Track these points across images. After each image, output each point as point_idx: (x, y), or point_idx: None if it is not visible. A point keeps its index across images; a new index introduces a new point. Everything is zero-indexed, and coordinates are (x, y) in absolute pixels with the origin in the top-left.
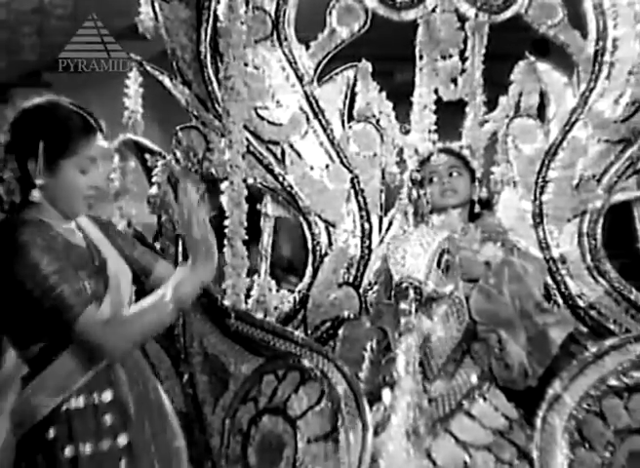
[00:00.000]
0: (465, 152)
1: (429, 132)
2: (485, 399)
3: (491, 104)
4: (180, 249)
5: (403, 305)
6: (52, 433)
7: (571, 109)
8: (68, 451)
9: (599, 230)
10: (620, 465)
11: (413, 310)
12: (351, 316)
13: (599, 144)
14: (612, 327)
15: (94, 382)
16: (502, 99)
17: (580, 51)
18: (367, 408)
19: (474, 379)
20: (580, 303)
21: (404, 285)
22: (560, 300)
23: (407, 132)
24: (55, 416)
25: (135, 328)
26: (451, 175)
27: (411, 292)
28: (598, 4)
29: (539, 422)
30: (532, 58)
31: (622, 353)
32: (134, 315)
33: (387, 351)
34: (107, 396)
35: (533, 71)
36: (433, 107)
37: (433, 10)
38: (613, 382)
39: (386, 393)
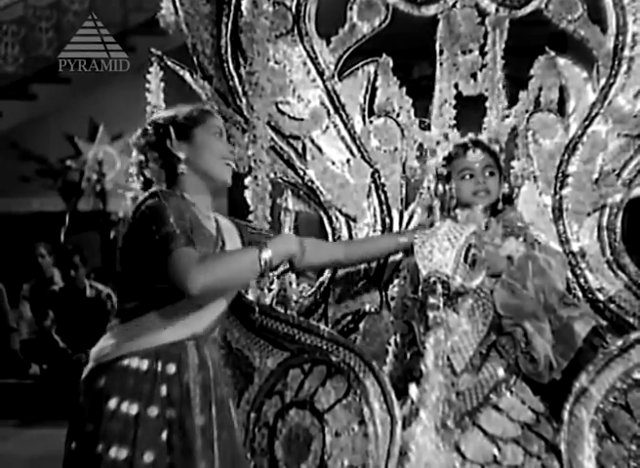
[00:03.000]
0: (496, 148)
1: (449, 127)
2: (512, 392)
3: (511, 99)
4: None
5: (432, 300)
6: (102, 382)
7: (591, 104)
8: (113, 404)
9: (619, 224)
10: None
11: (441, 305)
12: (372, 310)
13: (619, 139)
14: (631, 320)
15: (164, 353)
16: (523, 94)
17: (599, 46)
18: (395, 401)
19: (501, 373)
20: (600, 297)
21: (432, 279)
22: (580, 294)
23: (427, 126)
24: (111, 368)
25: (219, 268)
26: (486, 174)
27: (439, 286)
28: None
29: (566, 415)
30: (552, 53)
31: None
32: (223, 256)
33: (412, 345)
34: (172, 369)
35: (553, 66)
36: (453, 102)
37: (454, 5)
38: (638, 375)
39: (413, 387)
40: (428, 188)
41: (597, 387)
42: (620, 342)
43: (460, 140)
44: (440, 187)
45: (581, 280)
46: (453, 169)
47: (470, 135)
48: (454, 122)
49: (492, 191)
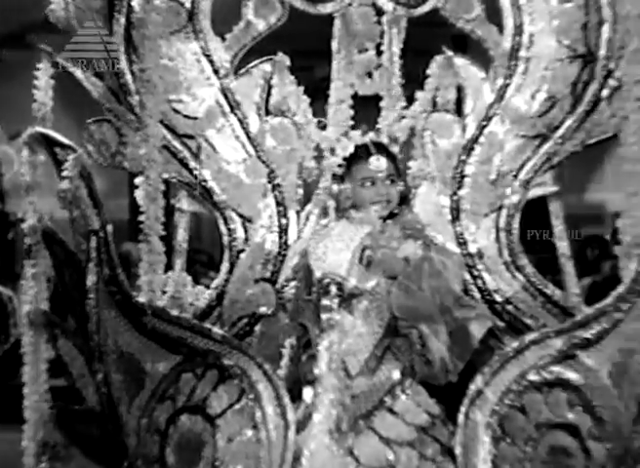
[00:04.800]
0: (396, 150)
1: (346, 126)
2: (407, 395)
3: (409, 99)
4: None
5: (325, 301)
6: None
7: (488, 104)
8: None
9: (516, 225)
10: (540, 460)
11: (335, 306)
12: (268, 312)
13: (516, 139)
14: (528, 321)
15: None
16: (420, 94)
17: (496, 46)
18: (289, 405)
19: (396, 375)
20: (498, 298)
21: (326, 281)
22: (477, 295)
23: (324, 126)
24: None
25: None
26: (387, 182)
27: (333, 288)
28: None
29: (461, 418)
30: (449, 53)
31: (542, 348)
32: None
33: (307, 348)
34: None
35: (450, 66)
36: (350, 102)
37: (350, 3)
38: (533, 377)
39: (307, 390)
40: (325, 189)
41: (492, 389)
42: (515, 344)
43: (360, 141)
44: (335, 187)
45: (479, 281)
46: (353, 172)
47: (371, 134)
48: (351, 122)
49: (392, 200)
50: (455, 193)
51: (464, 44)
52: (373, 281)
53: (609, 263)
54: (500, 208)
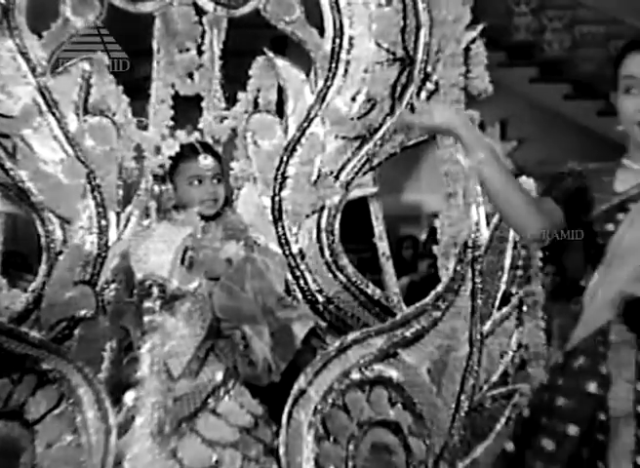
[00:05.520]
0: (220, 151)
1: (167, 127)
2: (230, 396)
3: (231, 100)
4: None
5: (147, 304)
6: None
7: (309, 106)
8: None
9: (337, 226)
10: (363, 457)
11: (157, 308)
12: (87, 315)
13: (336, 141)
14: (350, 321)
15: None
16: (241, 95)
17: (317, 48)
18: (110, 409)
19: (219, 377)
20: (319, 298)
21: (148, 282)
22: (299, 295)
23: (144, 126)
24: None
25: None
26: (214, 181)
27: (155, 289)
28: (334, 2)
29: (285, 418)
30: (270, 54)
31: (364, 347)
32: None
33: (129, 351)
34: None
35: (271, 67)
36: (170, 102)
37: (171, 3)
38: (355, 375)
39: (129, 394)
40: (146, 189)
41: (315, 388)
42: (337, 343)
43: (186, 140)
44: (157, 188)
45: (301, 281)
46: (179, 171)
47: (196, 134)
48: (171, 122)
49: (219, 199)
50: (276, 194)
51: (284, 46)
52: (195, 282)
53: (426, 262)
54: (322, 208)
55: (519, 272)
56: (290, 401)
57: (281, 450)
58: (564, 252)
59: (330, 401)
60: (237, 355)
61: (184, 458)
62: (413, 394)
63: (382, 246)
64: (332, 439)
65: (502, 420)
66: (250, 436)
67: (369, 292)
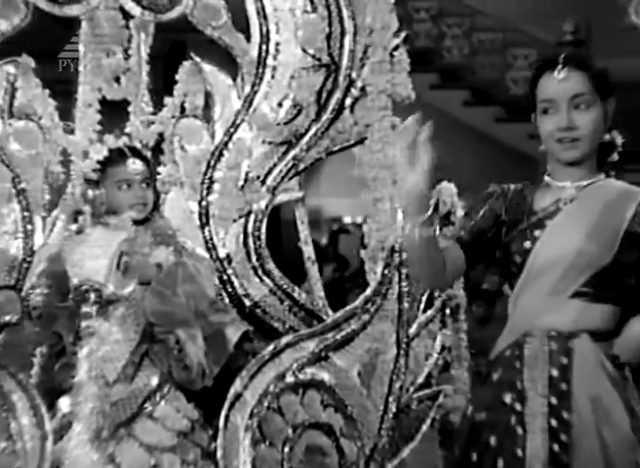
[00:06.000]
0: (149, 155)
1: (94, 131)
2: (166, 401)
3: (158, 105)
4: None
5: (85, 309)
6: None
7: (236, 111)
8: None
9: (263, 230)
10: (298, 460)
11: (94, 313)
12: (13, 320)
13: (263, 146)
14: (276, 324)
15: None
16: (168, 100)
17: (244, 53)
18: (46, 415)
19: (154, 382)
20: (246, 302)
21: (84, 287)
22: (227, 300)
23: (71, 131)
24: None
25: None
26: (143, 185)
27: (92, 294)
28: (261, 8)
29: (221, 421)
30: (197, 59)
31: (297, 350)
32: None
33: (61, 356)
34: None
35: (198, 72)
36: (97, 106)
37: (97, 7)
38: (289, 379)
39: (64, 400)
40: (72, 194)
41: (251, 392)
42: (271, 347)
43: (114, 145)
44: (90, 192)
45: (228, 286)
46: (108, 176)
47: (124, 138)
48: (98, 126)
49: (148, 203)
50: (204, 198)
51: (184, 49)
52: (130, 287)
53: (331, 267)
54: (249, 213)
55: None
56: (226, 404)
57: (219, 454)
58: None
59: (265, 404)
60: (172, 359)
61: (123, 463)
62: (344, 396)
63: (308, 250)
64: (267, 442)
65: (428, 421)
66: (187, 440)
67: (295, 295)
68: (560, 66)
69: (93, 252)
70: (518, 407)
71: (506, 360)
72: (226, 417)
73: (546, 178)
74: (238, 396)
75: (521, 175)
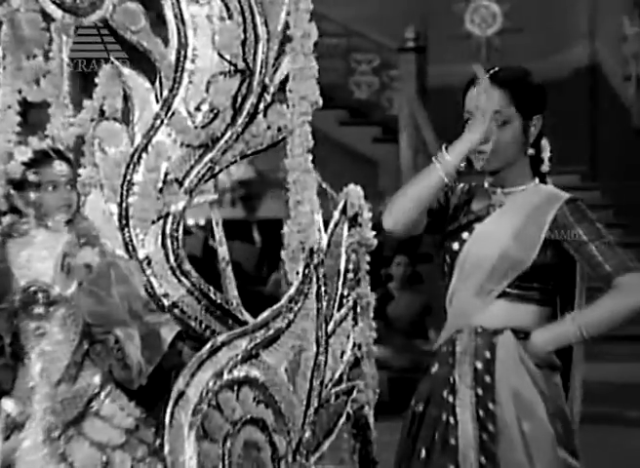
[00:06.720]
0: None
1: (13, 133)
2: (111, 399)
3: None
4: None
5: (38, 309)
6: None
7: (154, 114)
8: None
9: (181, 231)
10: (237, 455)
11: (44, 314)
12: None
13: (181, 149)
14: (193, 324)
15: None
16: (87, 102)
17: (162, 57)
18: None
19: (97, 381)
20: (165, 302)
21: (33, 289)
22: None
23: None
24: None
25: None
26: (68, 187)
27: (40, 295)
28: (179, 14)
29: (167, 418)
30: (116, 62)
31: (231, 348)
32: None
33: None
34: None
35: (117, 75)
36: (17, 108)
37: (18, 9)
38: (226, 376)
39: (6, 401)
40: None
41: (193, 390)
42: (208, 345)
43: (39, 146)
44: (32, 195)
45: (147, 286)
46: (35, 177)
47: (48, 141)
48: (18, 128)
49: (73, 205)
50: (123, 200)
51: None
52: (72, 288)
53: None
54: (167, 215)
55: (350, 275)
56: (171, 402)
57: (166, 450)
58: (419, 245)
59: (206, 401)
60: (113, 359)
61: (75, 461)
62: (274, 392)
63: (222, 251)
64: (210, 438)
65: (344, 416)
66: (133, 437)
67: (211, 295)
68: (482, 82)
69: (40, 254)
70: (450, 399)
71: (442, 355)
72: (172, 414)
73: (486, 183)
74: (181, 394)
75: (363, 178)
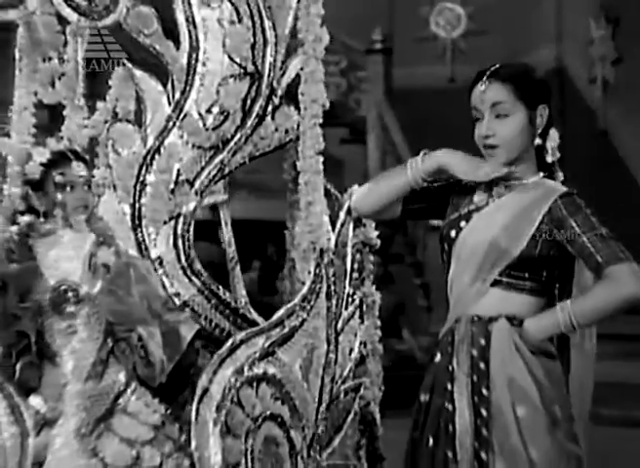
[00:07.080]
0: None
1: (29, 134)
2: (136, 396)
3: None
4: None
5: (70, 308)
6: None
7: (167, 116)
8: None
9: (192, 232)
10: (258, 450)
11: (75, 312)
12: None
13: (192, 150)
14: (203, 323)
15: None
16: (100, 104)
17: (174, 61)
18: (25, 413)
19: (122, 378)
20: (176, 301)
21: (63, 288)
22: None
23: (7, 134)
24: None
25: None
26: (84, 188)
27: (70, 294)
28: (190, 17)
29: (193, 415)
30: (129, 65)
31: (249, 346)
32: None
33: (23, 355)
34: None
35: (130, 78)
36: (33, 110)
37: (34, 12)
38: (246, 373)
39: (36, 398)
40: (9, 196)
41: (216, 387)
42: (229, 343)
43: (56, 148)
44: (60, 196)
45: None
46: (54, 178)
47: (65, 142)
48: (33, 130)
49: (90, 205)
50: (136, 201)
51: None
52: (97, 287)
53: None
54: (178, 215)
55: (355, 275)
56: (196, 399)
57: (193, 445)
58: (390, 245)
59: (229, 398)
60: (136, 357)
61: (106, 457)
62: (289, 389)
63: (231, 251)
64: (233, 434)
65: (353, 412)
66: (160, 433)
67: (220, 294)
68: (484, 78)
69: (68, 254)
70: (449, 387)
71: (443, 345)
72: (197, 411)
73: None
74: (205, 390)
75: (330, 179)
